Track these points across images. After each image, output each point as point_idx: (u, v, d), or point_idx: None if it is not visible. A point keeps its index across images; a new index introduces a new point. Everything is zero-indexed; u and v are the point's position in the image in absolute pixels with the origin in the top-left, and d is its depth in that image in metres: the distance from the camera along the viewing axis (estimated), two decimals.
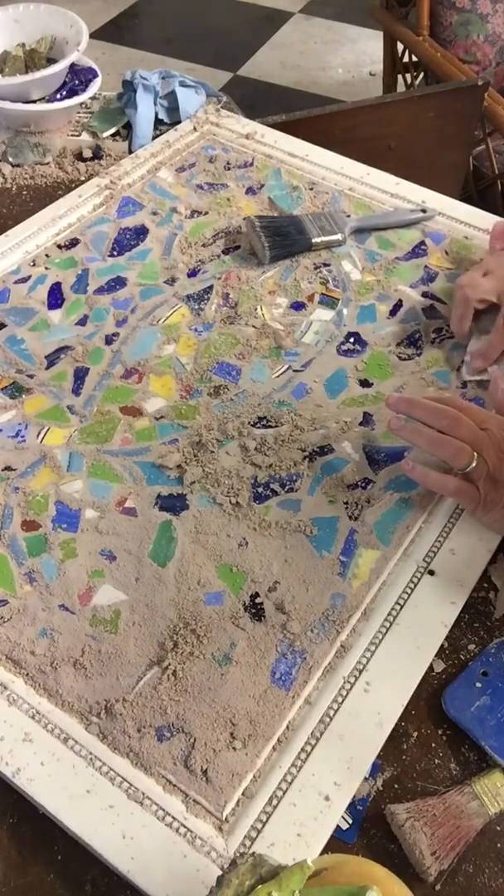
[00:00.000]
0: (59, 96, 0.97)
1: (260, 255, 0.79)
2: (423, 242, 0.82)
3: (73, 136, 0.98)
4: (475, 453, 0.55)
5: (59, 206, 0.85)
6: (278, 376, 0.69)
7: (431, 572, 0.56)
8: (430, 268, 0.79)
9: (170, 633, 0.53)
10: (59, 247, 0.82)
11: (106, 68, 1.07)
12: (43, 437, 0.65)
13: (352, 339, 0.73)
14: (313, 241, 0.80)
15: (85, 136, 0.98)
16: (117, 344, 0.72)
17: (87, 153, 0.95)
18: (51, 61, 0.98)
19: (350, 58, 2.67)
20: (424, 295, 0.76)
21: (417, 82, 1.65)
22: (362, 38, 2.74)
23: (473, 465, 0.55)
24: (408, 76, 1.68)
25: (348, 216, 0.83)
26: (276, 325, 0.74)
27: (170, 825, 0.46)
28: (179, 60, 2.60)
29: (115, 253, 0.81)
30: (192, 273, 0.79)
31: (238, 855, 0.43)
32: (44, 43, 0.98)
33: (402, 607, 0.54)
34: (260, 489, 0.61)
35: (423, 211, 0.84)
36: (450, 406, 0.58)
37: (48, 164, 0.94)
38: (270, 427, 0.65)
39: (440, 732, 0.52)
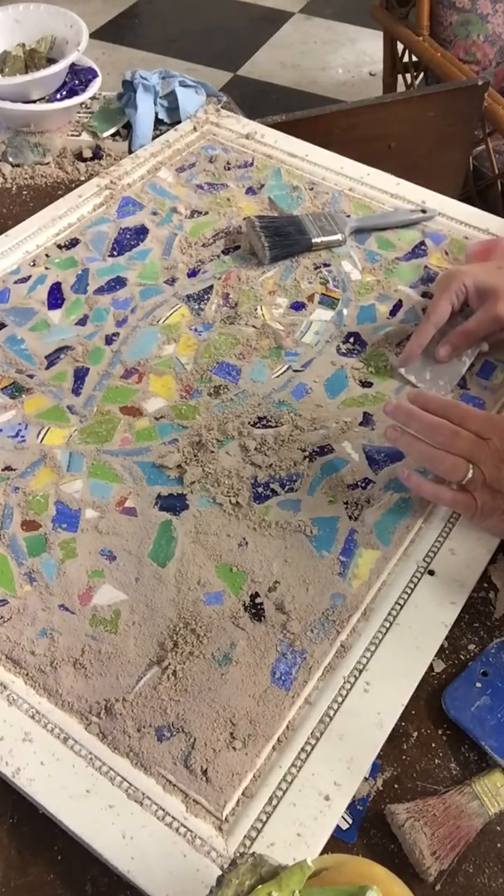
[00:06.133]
0: (59, 96, 0.97)
1: (260, 255, 0.79)
2: (423, 243, 0.82)
3: (73, 136, 0.98)
4: (470, 465, 0.54)
5: (59, 206, 0.85)
6: (278, 376, 0.69)
7: (431, 572, 0.56)
8: (430, 268, 0.79)
9: (170, 633, 0.53)
10: (59, 247, 0.82)
11: (106, 68, 1.07)
12: (43, 437, 0.65)
13: (352, 339, 0.73)
14: (313, 241, 0.80)
15: (85, 136, 0.98)
16: (117, 344, 0.72)
17: (87, 153, 0.95)
18: (51, 61, 0.98)
19: (350, 58, 2.67)
20: (424, 295, 0.76)
21: (417, 82, 1.65)
22: (362, 38, 2.74)
23: (469, 476, 0.55)
24: (408, 76, 1.68)
25: (348, 216, 0.83)
26: (276, 325, 0.74)
27: (170, 825, 0.46)
28: (179, 60, 2.60)
29: (115, 253, 0.81)
30: (192, 273, 0.79)
31: (238, 855, 0.43)
32: (44, 43, 0.98)
33: (402, 607, 0.54)
34: (260, 489, 0.61)
35: (423, 211, 0.84)
36: (453, 411, 0.57)
37: (48, 164, 0.94)
38: (270, 427, 0.65)
39: (440, 732, 0.52)
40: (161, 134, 0.96)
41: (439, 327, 0.69)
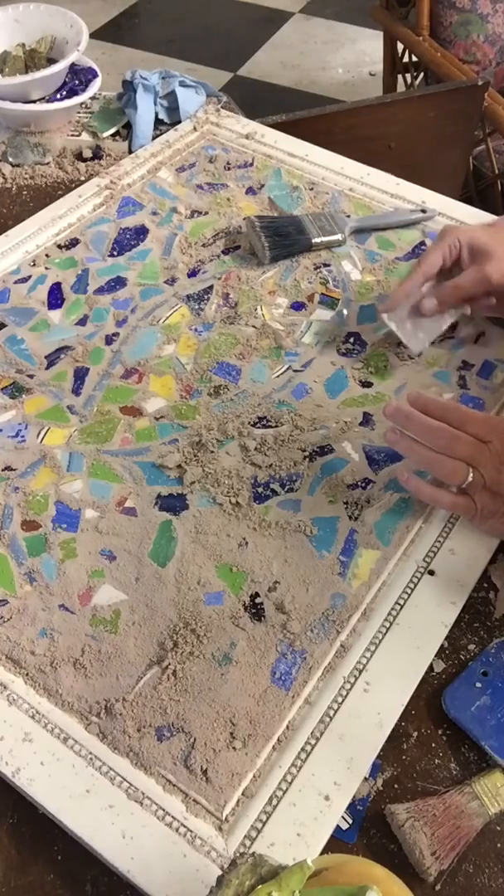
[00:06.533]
0: (59, 96, 0.97)
1: (260, 255, 0.79)
2: (423, 243, 0.82)
3: (73, 136, 0.98)
4: (470, 468, 0.54)
5: (59, 206, 0.85)
6: (278, 376, 0.69)
7: (431, 572, 0.56)
8: None
9: (170, 633, 0.53)
10: (59, 247, 0.82)
11: (106, 68, 1.07)
12: (43, 437, 0.65)
13: (352, 339, 0.73)
14: (313, 241, 0.80)
15: (85, 136, 0.98)
16: (117, 344, 0.72)
17: (87, 153, 0.95)
18: (51, 61, 0.98)
19: (350, 58, 2.67)
20: None
21: (417, 82, 1.65)
22: (362, 38, 2.74)
23: (469, 479, 0.54)
24: (408, 76, 1.68)
25: (348, 216, 0.83)
26: (276, 325, 0.74)
27: (170, 825, 0.46)
28: (179, 60, 2.60)
29: (115, 253, 0.81)
30: (192, 273, 0.79)
31: (238, 855, 0.43)
32: (44, 43, 0.98)
33: (402, 607, 0.54)
34: (260, 489, 0.61)
35: (423, 211, 0.84)
36: (452, 414, 0.56)
37: (48, 164, 0.94)
38: (270, 427, 0.65)
39: (440, 732, 0.52)
40: (161, 134, 0.96)
41: (428, 277, 0.69)
